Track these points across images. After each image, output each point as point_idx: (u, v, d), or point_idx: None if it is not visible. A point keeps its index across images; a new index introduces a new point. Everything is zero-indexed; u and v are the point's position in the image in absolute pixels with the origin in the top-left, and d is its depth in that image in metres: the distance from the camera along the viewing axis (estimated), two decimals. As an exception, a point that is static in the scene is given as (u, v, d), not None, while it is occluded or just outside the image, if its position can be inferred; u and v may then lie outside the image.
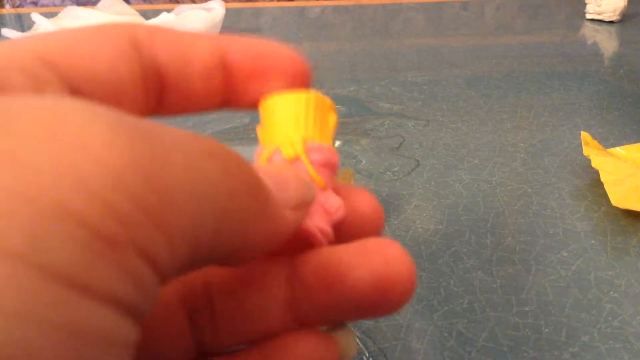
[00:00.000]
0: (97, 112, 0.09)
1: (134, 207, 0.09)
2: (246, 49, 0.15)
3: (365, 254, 0.12)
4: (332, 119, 0.15)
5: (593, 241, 0.30)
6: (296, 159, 0.14)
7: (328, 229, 0.13)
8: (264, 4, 0.95)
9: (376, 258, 0.12)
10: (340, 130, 0.44)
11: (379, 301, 0.12)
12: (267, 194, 0.11)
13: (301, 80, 0.15)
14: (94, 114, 0.09)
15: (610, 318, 0.25)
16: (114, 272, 0.08)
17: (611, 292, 0.26)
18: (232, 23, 0.79)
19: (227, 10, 0.71)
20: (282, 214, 0.12)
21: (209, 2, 0.70)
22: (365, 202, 0.15)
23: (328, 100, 0.15)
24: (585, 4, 0.77)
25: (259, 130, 0.15)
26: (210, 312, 0.14)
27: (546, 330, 0.24)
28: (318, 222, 0.13)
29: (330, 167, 0.14)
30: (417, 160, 0.39)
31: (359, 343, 0.24)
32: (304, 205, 0.13)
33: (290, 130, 0.14)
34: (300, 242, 0.13)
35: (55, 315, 0.08)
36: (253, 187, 0.11)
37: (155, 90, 0.14)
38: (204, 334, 0.14)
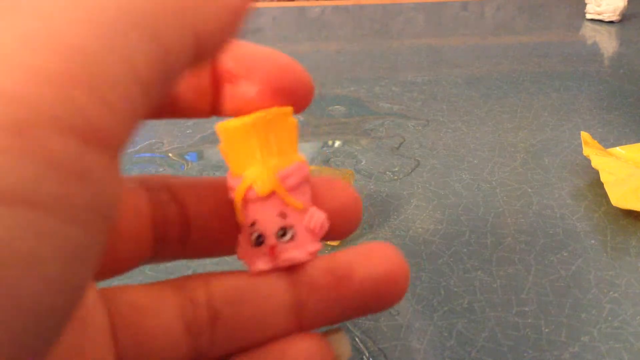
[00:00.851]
0: None
1: (28, 77, 0.07)
2: (242, 56, 0.14)
3: (369, 255, 0.14)
4: (293, 125, 0.14)
5: (593, 241, 0.30)
6: (272, 193, 0.13)
7: (316, 247, 0.14)
8: (264, 4, 0.95)
9: (379, 258, 0.13)
10: (340, 130, 0.44)
11: (382, 296, 0.13)
12: None
13: (304, 97, 0.14)
14: None
15: (610, 318, 0.25)
16: (30, 166, 0.07)
17: (611, 292, 0.26)
18: (232, 23, 0.79)
19: (227, 10, 0.71)
20: None
21: (209, 2, 0.70)
22: (343, 195, 0.15)
23: (286, 110, 0.14)
24: (585, 4, 0.77)
25: (223, 153, 0.14)
26: (211, 322, 0.13)
27: (546, 330, 0.24)
28: (308, 247, 0.14)
29: (305, 183, 0.14)
30: (417, 160, 0.39)
31: (359, 343, 0.24)
32: None
33: (257, 161, 0.13)
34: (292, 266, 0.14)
35: None
36: None
37: None
38: (201, 342, 0.13)
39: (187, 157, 0.40)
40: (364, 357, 0.23)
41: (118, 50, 0.08)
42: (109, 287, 0.13)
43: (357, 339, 0.24)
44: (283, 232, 0.14)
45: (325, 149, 0.41)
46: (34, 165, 0.07)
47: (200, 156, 0.40)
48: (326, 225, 0.14)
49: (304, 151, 0.41)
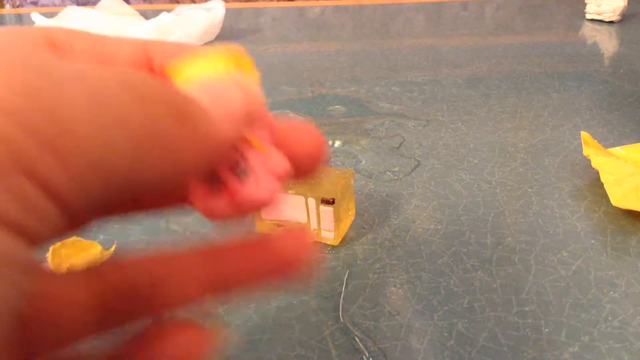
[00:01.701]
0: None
1: (19, 130, 0.09)
2: (170, 52, 0.14)
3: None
4: (249, 65, 0.14)
5: (593, 241, 0.30)
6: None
7: (276, 187, 0.14)
8: (264, 4, 0.95)
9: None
10: (340, 130, 0.44)
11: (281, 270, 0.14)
12: (197, 115, 0.11)
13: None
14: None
15: (610, 318, 0.25)
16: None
17: (611, 292, 0.26)
18: (232, 23, 0.79)
19: (227, 10, 0.71)
20: (218, 130, 0.12)
21: (209, 2, 0.70)
22: (307, 138, 0.15)
23: (246, 59, 0.14)
24: (585, 4, 0.77)
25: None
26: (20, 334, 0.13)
27: (546, 330, 0.24)
28: (268, 186, 0.13)
29: (266, 126, 0.14)
30: (417, 160, 0.39)
31: (359, 343, 0.24)
32: (249, 115, 0.13)
33: None
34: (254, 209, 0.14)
35: None
36: (177, 112, 0.11)
37: None
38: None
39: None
40: (364, 357, 0.23)
41: (96, 143, 0.09)
42: None
43: (357, 339, 0.24)
44: (243, 171, 0.13)
45: (325, 149, 0.41)
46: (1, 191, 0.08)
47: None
48: (287, 167, 0.14)
49: (304, 151, 0.41)
